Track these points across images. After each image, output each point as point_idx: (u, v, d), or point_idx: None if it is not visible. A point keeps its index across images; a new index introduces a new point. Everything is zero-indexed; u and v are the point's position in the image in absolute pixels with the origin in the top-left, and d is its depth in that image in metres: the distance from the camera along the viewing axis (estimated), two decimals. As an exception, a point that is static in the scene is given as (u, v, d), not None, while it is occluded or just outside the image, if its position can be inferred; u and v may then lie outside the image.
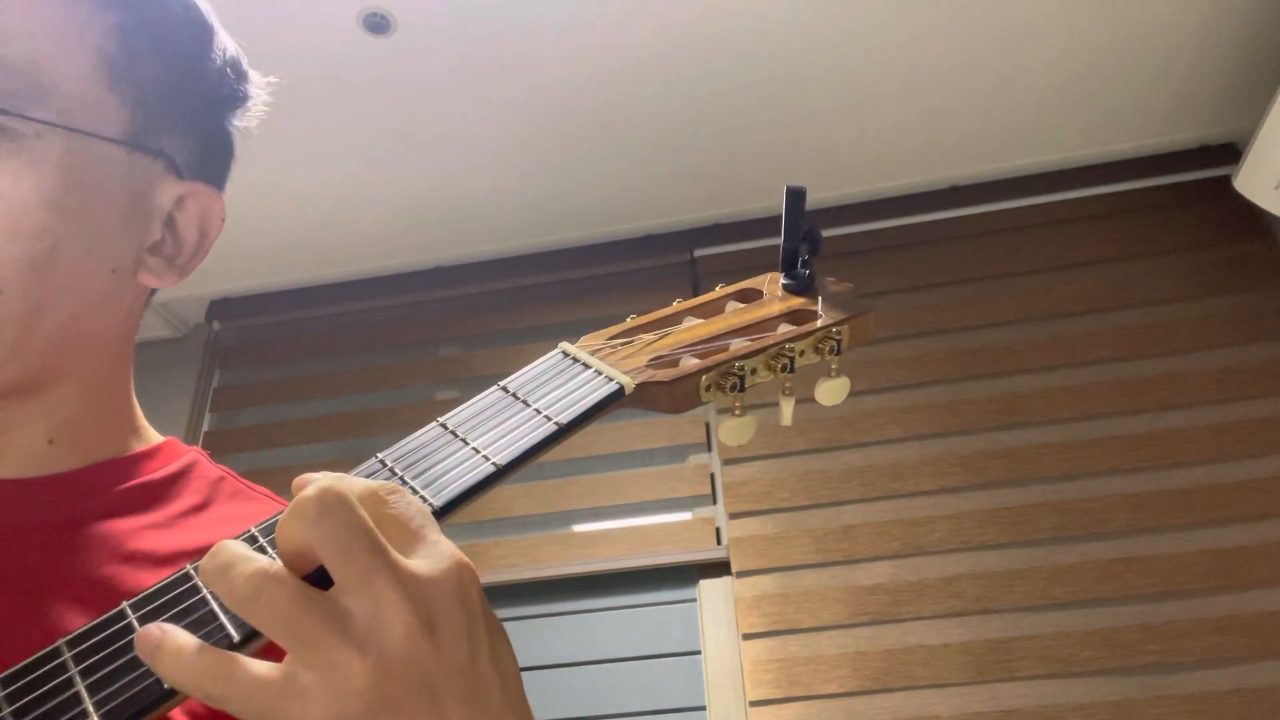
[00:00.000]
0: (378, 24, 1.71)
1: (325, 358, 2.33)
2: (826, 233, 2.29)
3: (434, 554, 0.36)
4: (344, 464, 2.25)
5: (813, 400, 0.56)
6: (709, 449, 2.04)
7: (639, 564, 1.89)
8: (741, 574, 1.83)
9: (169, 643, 0.33)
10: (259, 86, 0.63)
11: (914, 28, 1.79)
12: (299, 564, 0.36)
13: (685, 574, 1.89)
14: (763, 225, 2.23)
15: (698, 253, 2.24)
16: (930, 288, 2.09)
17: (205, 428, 2.27)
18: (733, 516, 1.90)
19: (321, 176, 2.04)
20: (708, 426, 2.05)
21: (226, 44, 0.61)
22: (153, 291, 0.62)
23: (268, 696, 0.32)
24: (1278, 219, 1.94)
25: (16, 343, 0.51)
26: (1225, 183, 1.92)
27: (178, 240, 0.58)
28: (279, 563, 0.35)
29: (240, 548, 0.35)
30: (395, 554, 0.35)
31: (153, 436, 0.61)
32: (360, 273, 2.36)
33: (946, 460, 1.88)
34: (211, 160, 0.61)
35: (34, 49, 0.50)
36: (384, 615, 0.33)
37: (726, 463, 1.96)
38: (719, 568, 1.88)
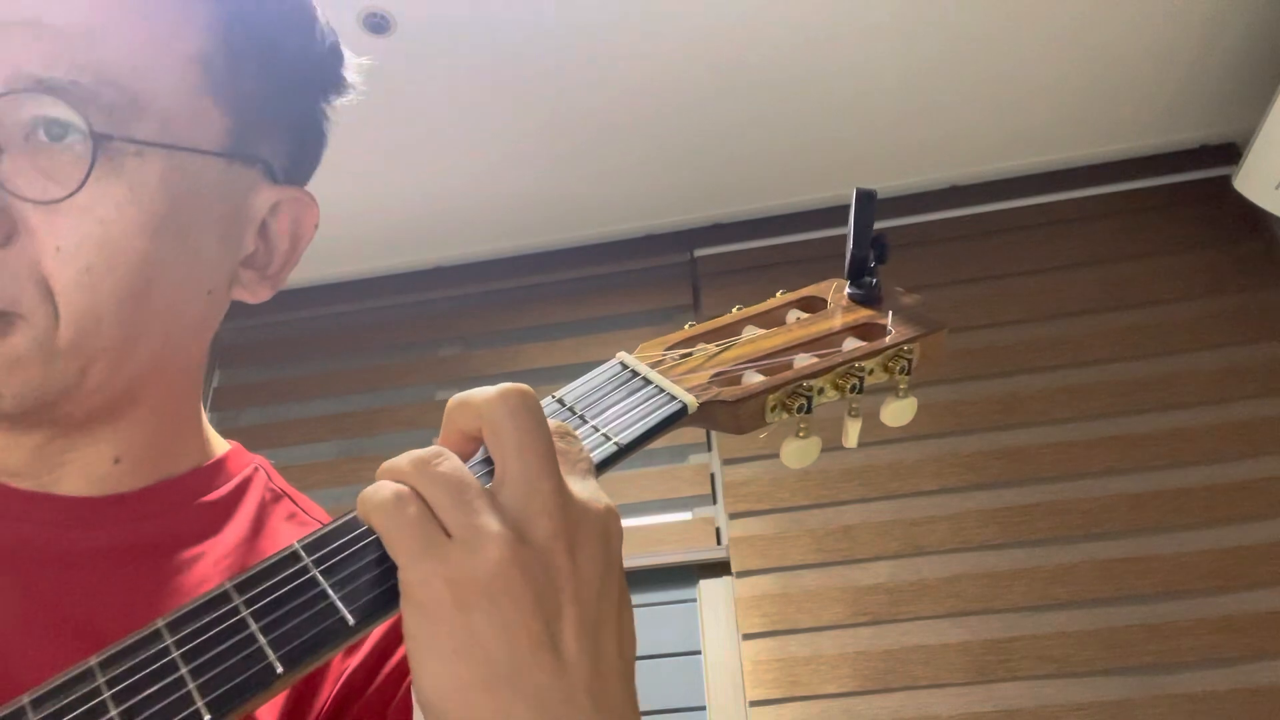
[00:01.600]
0: (378, 24, 1.71)
1: (325, 358, 2.33)
2: (826, 233, 2.30)
3: (594, 491, 0.38)
4: (344, 464, 2.25)
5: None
6: (709, 449, 2.04)
7: (639, 564, 1.88)
8: (741, 574, 1.83)
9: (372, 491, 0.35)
10: (355, 71, 0.58)
11: (914, 28, 1.78)
12: (463, 445, 0.39)
13: (685, 574, 1.89)
14: (763, 225, 2.23)
15: (698, 253, 2.24)
16: (930, 288, 2.09)
17: (205, 428, 2.26)
18: (733, 516, 1.90)
19: (321, 176, 2.04)
20: (708, 426, 2.05)
21: (325, 30, 0.55)
22: None
23: (416, 540, 0.34)
24: (1278, 219, 1.94)
25: (109, 372, 0.48)
26: (1225, 183, 1.92)
27: (270, 248, 0.55)
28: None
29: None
30: (562, 472, 0.37)
31: (217, 446, 0.58)
32: (360, 273, 2.36)
33: (946, 460, 1.88)
34: (305, 158, 0.58)
35: (134, 56, 0.46)
36: (535, 513, 0.35)
37: (726, 463, 1.96)
38: (719, 568, 1.88)
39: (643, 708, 0.40)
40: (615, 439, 0.43)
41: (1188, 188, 2.11)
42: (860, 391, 0.50)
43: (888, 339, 0.51)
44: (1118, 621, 1.68)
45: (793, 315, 0.56)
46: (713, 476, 1.99)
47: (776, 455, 1.81)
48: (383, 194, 2.11)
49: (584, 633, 0.35)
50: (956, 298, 2.07)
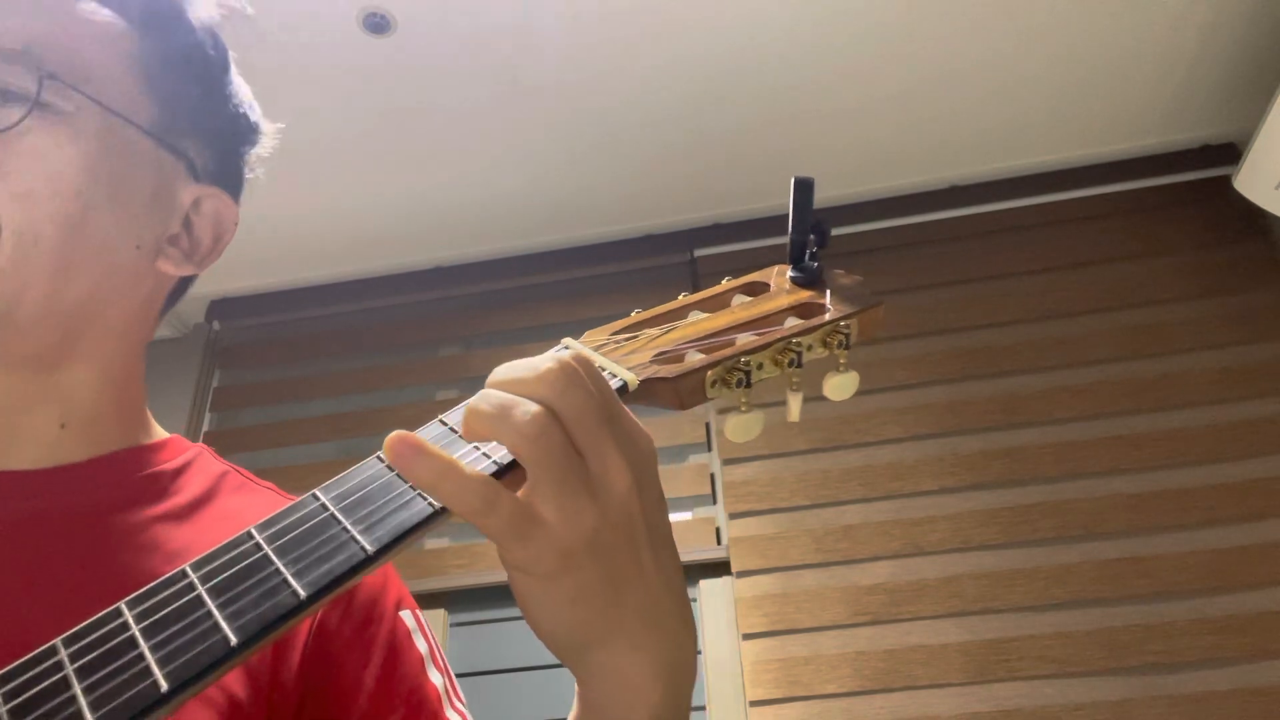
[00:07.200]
0: (378, 24, 1.71)
1: (325, 358, 2.33)
2: (826, 233, 2.29)
3: (636, 426, 0.42)
4: (344, 464, 2.26)
5: (819, 398, 0.55)
6: (709, 449, 2.04)
7: (639, 564, 1.88)
8: (741, 574, 1.83)
9: (454, 469, 0.37)
10: (268, 134, 0.67)
11: (914, 28, 1.78)
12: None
13: (685, 574, 1.89)
14: (763, 225, 2.23)
15: (698, 253, 2.24)
16: (930, 288, 2.09)
17: (205, 428, 2.26)
18: (733, 516, 1.90)
19: (321, 176, 2.04)
20: (708, 426, 2.05)
21: (241, 81, 0.65)
22: (172, 298, 0.64)
23: (517, 520, 0.37)
24: (1278, 219, 1.94)
25: (45, 301, 0.53)
26: (1225, 183, 1.92)
27: (194, 239, 0.61)
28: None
29: (506, 395, 0.39)
30: (615, 422, 0.40)
31: (159, 432, 0.63)
32: (360, 273, 2.36)
33: (946, 460, 1.88)
34: (226, 175, 0.64)
35: (76, 43, 0.55)
36: (610, 474, 0.39)
37: (726, 463, 1.96)
38: (719, 568, 1.88)
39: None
40: None
41: (1188, 188, 2.11)
42: (799, 366, 0.52)
43: (826, 315, 0.54)
44: (1117, 622, 1.68)
45: (737, 299, 0.58)
46: (712, 476, 1.99)
47: (777, 455, 1.82)
48: (382, 194, 2.11)
49: (656, 550, 0.42)
50: (956, 298, 2.07)
